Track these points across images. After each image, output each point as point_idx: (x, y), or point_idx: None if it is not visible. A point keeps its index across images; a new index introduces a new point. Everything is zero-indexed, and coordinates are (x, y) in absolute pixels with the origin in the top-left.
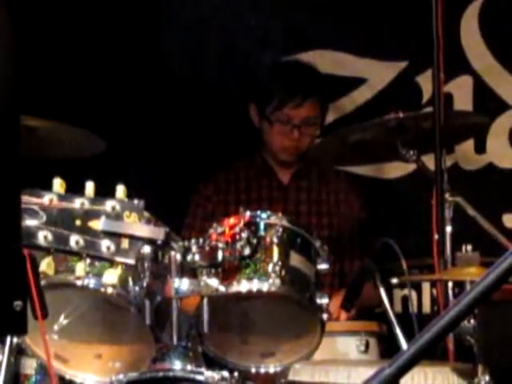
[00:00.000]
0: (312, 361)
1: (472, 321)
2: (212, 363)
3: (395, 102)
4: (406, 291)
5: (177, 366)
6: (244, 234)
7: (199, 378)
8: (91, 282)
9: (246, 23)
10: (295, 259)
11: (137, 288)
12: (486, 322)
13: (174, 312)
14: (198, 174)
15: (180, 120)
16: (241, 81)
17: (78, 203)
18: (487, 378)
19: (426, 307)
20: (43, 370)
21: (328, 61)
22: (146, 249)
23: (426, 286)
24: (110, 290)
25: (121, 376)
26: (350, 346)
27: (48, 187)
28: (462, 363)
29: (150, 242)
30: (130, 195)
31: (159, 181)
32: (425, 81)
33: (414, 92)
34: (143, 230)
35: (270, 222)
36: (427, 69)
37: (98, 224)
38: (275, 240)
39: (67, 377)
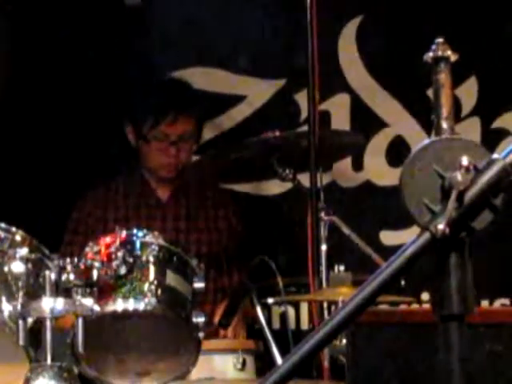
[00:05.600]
0: (188, 380)
1: (344, 340)
2: (88, 383)
3: (274, 119)
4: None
5: None
6: (120, 253)
7: None
8: None
9: (121, 43)
10: (171, 278)
11: (11, 307)
12: (354, 342)
13: (48, 332)
14: (78, 190)
15: (59, 137)
16: (118, 100)
17: None
18: None
19: (304, 323)
20: None
21: (206, 78)
22: (20, 268)
23: (303, 302)
24: None
25: None
26: (227, 364)
27: None
28: (337, 382)
29: None
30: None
31: (37, 196)
32: (303, 99)
33: (293, 110)
34: None
35: (146, 240)
36: (305, 87)
37: None
38: (151, 259)
39: None
